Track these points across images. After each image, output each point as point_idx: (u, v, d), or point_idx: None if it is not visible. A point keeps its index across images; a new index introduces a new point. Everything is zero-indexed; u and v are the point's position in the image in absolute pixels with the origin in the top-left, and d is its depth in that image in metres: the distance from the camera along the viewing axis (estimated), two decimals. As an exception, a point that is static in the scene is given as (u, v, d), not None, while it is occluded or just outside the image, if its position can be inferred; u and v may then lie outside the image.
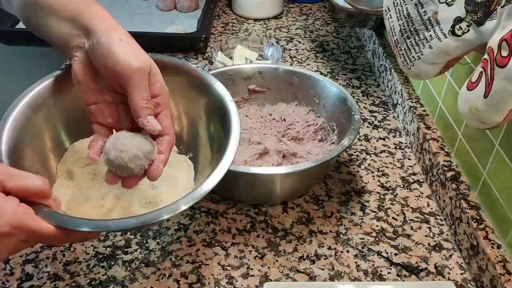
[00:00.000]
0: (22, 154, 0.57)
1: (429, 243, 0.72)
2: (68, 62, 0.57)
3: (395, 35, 0.63)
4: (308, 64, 1.13)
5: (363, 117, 0.97)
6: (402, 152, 0.89)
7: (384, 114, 0.98)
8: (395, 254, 0.70)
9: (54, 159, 0.63)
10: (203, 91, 0.67)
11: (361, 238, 0.72)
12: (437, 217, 0.76)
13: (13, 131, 0.57)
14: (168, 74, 0.60)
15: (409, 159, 0.87)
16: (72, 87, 0.57)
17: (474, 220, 0.67)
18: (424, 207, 0.78)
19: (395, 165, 0.85)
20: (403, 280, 0.66)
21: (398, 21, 0.62)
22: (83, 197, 0.59)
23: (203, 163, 0.65)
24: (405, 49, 0.62)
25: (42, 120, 0.62)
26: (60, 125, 0.64)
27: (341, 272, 0.67)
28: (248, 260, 0.68)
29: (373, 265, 0.68)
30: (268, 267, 0.67)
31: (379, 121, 0.96)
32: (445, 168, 0.76)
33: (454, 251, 0.71)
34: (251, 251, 0.70)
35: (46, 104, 0.62)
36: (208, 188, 0.53)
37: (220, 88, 0.65)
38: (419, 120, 0.86)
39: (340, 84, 0.97)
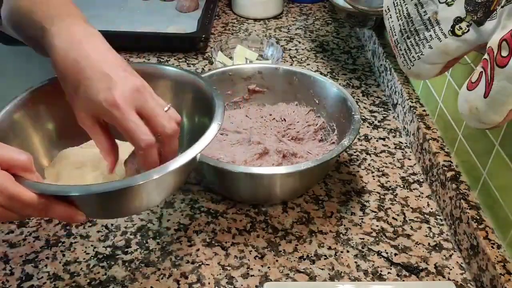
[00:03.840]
0: None
1: (429, 243, 0.72)
2: None
3: (395, 35, 0.63)
4: (308, 64, 1.13)
5: (363, 117, 0.97)
6: (402, 152, 0.89)
7: (384, 114, 0.98)
8: (395, 254, 0.70)
9: (45, 162, 0.64)
10: (192, 92, 0.67)
11: (361, 238, 0.72)
12: (437, 217, 0.76)
13: None
14: (155, 80, 0.61)
15: (409, 159, 0.87)
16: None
17: (474, 220, 0.67)
18: (424, 207, 0.78)
19: (395, 165, 0.85)
20: (403, 280, 0.66)
21: (398, 21, 0.62)
22: None
23: None
24: (405, 49, 0.62)
25: (31, 123, 0.62)
26: (51, 130, 0.65)
27: (341, 272, 0.67)
28: (248, 260, 0.68)
29: (373, 265, 0.68)
30: (268, 267, 0.67)
31: (379, 121, 0.96)
32: (445, 168, 0.76)
33: (454, 251, 0.71)
34: (251, 251, 0.70)
35: (37, 108, 0.63)
36: (194, 152, 0.53)
37: (206, 85, 0.66)
38: (419, 120, 0.86)
39: (340, 84, 0.97)
